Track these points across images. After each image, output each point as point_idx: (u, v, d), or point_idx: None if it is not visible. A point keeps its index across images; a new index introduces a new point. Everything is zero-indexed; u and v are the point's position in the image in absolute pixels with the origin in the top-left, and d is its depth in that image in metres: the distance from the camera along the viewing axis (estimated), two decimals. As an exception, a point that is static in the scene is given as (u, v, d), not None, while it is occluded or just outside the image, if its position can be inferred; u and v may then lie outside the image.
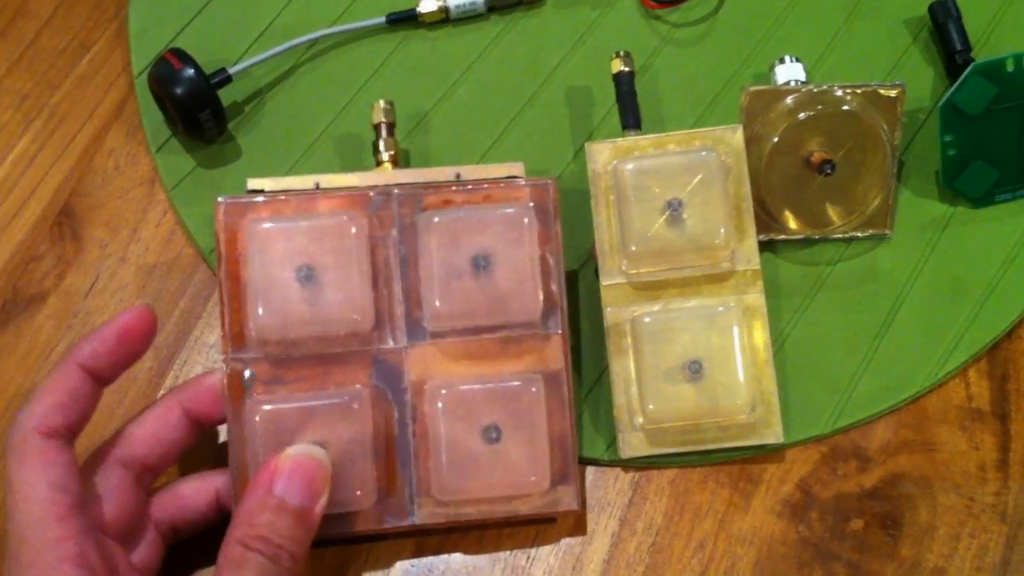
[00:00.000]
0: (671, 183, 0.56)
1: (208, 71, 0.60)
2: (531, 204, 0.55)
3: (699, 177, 0.56)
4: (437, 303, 0.53)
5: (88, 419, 0.50)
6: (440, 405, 0.52)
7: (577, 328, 0.58)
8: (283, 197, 0.54)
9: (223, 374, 0.52)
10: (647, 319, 0.55)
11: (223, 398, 0.52)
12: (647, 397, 0.54)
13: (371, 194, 0.54)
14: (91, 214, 0.61)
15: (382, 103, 0.58)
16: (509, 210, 0.54)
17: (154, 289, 0.59)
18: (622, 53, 0.59)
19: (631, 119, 0.58)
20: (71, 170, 0.62)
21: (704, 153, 0.56)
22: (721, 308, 0.55)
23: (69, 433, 0.48)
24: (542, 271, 0.54)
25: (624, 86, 0.59)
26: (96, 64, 0.64)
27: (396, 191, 0.55)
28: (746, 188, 0.57)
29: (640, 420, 0.55)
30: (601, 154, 0.57)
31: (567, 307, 0.55)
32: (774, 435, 0.55)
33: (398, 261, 0.54)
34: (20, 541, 0.46)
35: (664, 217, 0.55)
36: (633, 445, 0.55)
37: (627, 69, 0.59)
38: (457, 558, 0.55)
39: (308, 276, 0.52)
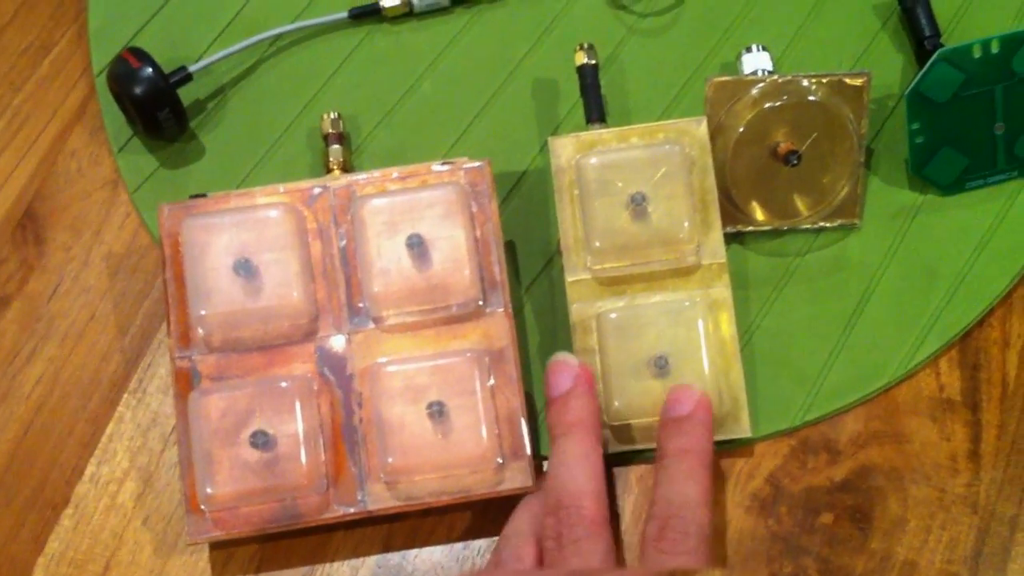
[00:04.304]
0: (635, 177, 0.55)
1: (169, 69, 0.59)
2: (466, 186, 0.55)
3: (663, 170, 0.55)
4: (375, 288, 0.53)
5: None
6: (382, 384, 0.53)
7: (544, 323, 0.57)
8: (222, 195, 0.55)
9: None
10: (612, 315, 0.55)
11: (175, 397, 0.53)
12: (613, 394, 0.54)
13: (310, 188, 0.55)
14: (54, 217, 0.60)
15: (330, 115, 0.59)
16: (441, 192, 0.54)
17: (118, 292, 0.59)
18: (586, 45, 0.58)
19: (595, 112, 0.58)
20: (33, 172, 0.61)
21: (668, 146, 0.55)
22: (687, 303, 0.54)
23: None
24: (480, 250, 0.54)
25: (588, 79, 0.58)
26: (58, 64, 0.63)
27: (332, 184, 0.55)
28: (711, 180, 0.56)
29: (606, 418, 0.54)
30: (564, 149, 0.56)
31: (509, 285, 0.55)
32: (742, 429, 0.55)
33: (338, 250, 0.55)
34: None
35: (628, 211, 0.55)
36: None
37: (591, 62, 0.58)
38: (424, 559, 0.55)
39: (246, 269, 0.53)
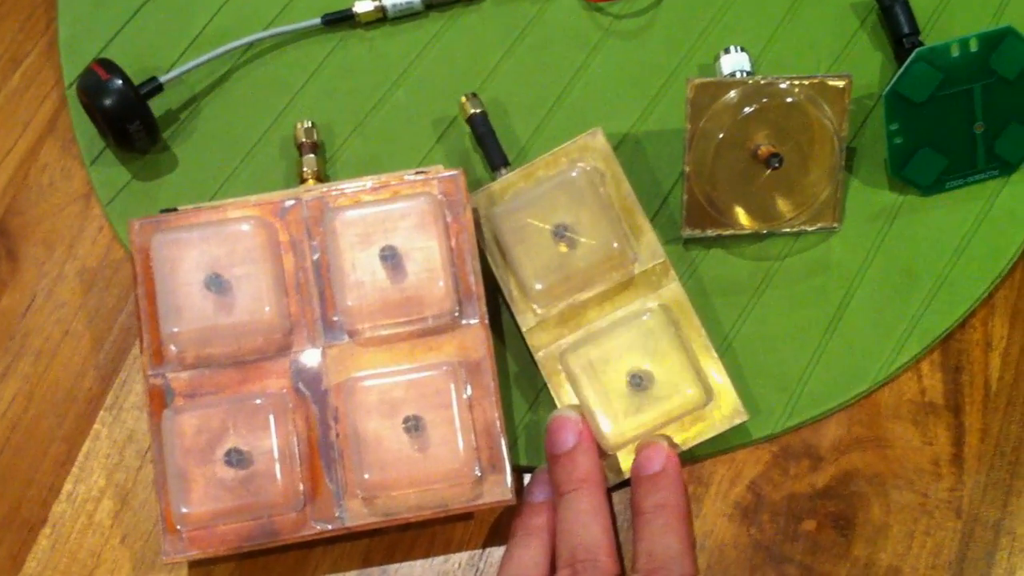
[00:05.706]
0: (552, 210, 0.55)
1: (141, 79, 0.58)
2: (440, 196, 0.54)
3: (576, 194, 0.55)
4: (349, 301, 0.53)
5: None
6: (357, 399, 0.52)
7: (518, 351, 0.57)
8: (192, 209, 0.55)
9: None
10: (573, 356, 0.54)
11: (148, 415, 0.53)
12: (601, 423, 0.53)
13: (281, 201, 0.55)
14: (26, 232, 0.60)
15: (303, 124, 0.59)
16: (415, 203, 0.54)
17: (92, 307, 0.58)
18: (469, 94, 0.59)
19: (497, 159, 0.58)
20: (5, 187, 0.61)
21: (574, 173, 0.55)
22: (646, 316, 0.54)
23: None
24: (454, 261, 0.54)
25: (481, 128, 0.58)
26: (28, 77, 0.63)
27: (305, 196, 0.55)
28: (626, 186, 0.56)
29: (604, 448, 0.54)
30: (479, 204, 0.56)
31: (485, 296, 0.54)
32: (738, 415, 0.54)
33: (311, 264, 0.54)
34: None
35: (556, 245, 0.54)
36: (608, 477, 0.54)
37: (478, 110, 0.58)
38: (404, 574, 0.54)
39: (217, 285, 0.52)
